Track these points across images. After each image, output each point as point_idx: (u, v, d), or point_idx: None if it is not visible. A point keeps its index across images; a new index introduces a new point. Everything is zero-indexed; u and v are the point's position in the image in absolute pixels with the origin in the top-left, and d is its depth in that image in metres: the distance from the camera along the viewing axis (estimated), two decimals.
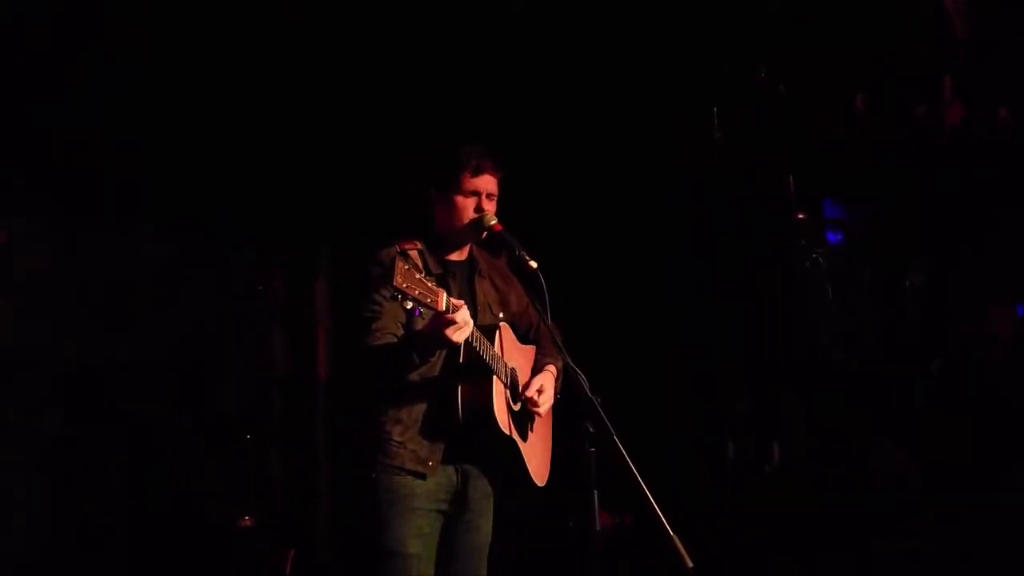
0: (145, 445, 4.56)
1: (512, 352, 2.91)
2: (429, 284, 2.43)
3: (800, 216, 5.46)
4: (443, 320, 2.48)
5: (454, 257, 2.90)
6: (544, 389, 2.94)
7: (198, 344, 4.77)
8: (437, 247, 2.87)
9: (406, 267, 2.37)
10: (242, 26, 4.39)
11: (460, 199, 2.82)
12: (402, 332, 2.72)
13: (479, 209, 2.81)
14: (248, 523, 4.56)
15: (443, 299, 2.46)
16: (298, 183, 4.99)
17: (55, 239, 4.29)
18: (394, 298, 2.40)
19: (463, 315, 2.50)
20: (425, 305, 2.42)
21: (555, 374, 3.03)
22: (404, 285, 2.35)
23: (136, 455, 4.53)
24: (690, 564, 2.45)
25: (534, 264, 2.74)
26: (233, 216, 4.82)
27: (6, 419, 4.12)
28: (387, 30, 4.65)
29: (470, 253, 2.95)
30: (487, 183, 2.84)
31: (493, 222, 2.81)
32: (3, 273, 4.17)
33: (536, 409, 2.91)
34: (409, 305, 2.40)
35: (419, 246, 2.82)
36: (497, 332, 2.82)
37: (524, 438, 2.88)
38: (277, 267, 5.24)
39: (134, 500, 4.48)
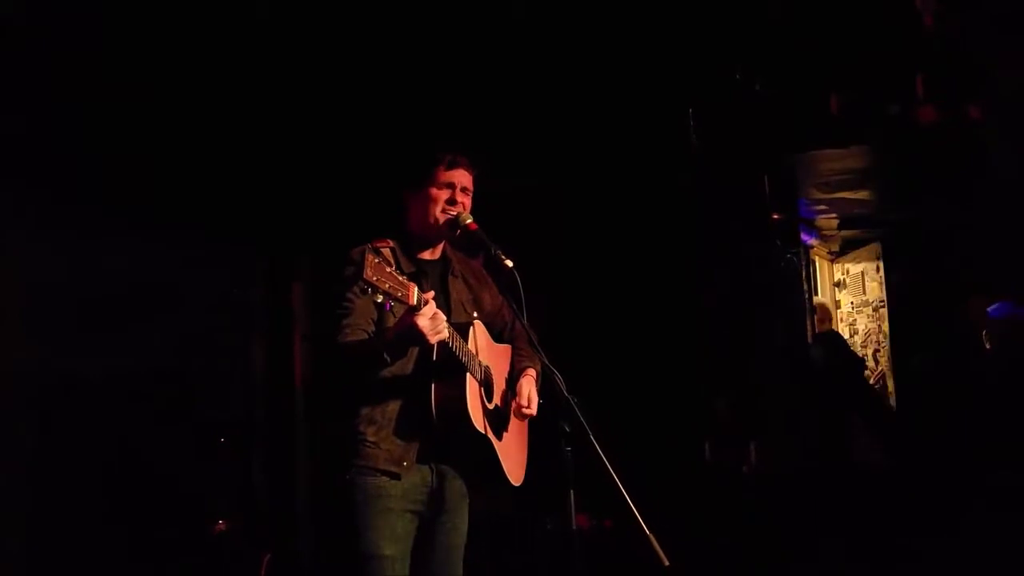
0: (125, 451, 4.52)
1: (486, 350, 2.89)
2: (400, 278, 2.41)
3: (776, 216, 5.49)
4: (415, 314, 2.46)
5: (427, 256, 2.89)
6: (532, 397, 2.95)
7: (179, 351, 4.75)
8: (410, 246, 2.85)
9: (376, 261, 2.35)
10: (220, 38, 4.37)
11: (434, 191, 2.81)
12: (373, 329, 2.69)
13: (452, 201, 2.80)
14: (223, 527, 4.52)
15: (414, 293, 2.44)
16: (275, 190, 4.98)
17: (37, 250, 4.24)
18: (364, 292, 2.38)
19: (431, 307, 2.49)
20: (395, 299, 2.40)
21: (535, 377, 3.02)
22: (374, 278, 2.33)
23: (115, 460, 4.49)
24: (667, 562, 2.44)
25: (510, 263, 2.72)
26: (212, 222, 4.79)
27: None
28: (367, 38, 4.64)
29: (443, 253, 2.93)
30: (461, 177, 2.84)
31: (468, 220, 2.79)
32: None
33: (526, 417, 2.95)
34: (380, 299, 2.38)
35: (392, 244, 2.80)
36: (471, 330, 2.79)
37: (499, 437, 2.86)
38: (255, 272, 5.22)
39: (113, 505, 4.44)
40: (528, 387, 2.97)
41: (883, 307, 6.64)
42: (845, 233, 7.11)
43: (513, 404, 2.96)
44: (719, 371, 5.26)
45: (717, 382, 5.26)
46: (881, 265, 6.68)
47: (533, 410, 2.94)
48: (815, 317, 6.18)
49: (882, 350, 6.62)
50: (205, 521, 4.59)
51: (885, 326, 6.61)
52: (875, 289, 6.75)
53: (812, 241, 6.91)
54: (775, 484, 5.05)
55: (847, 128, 5.13)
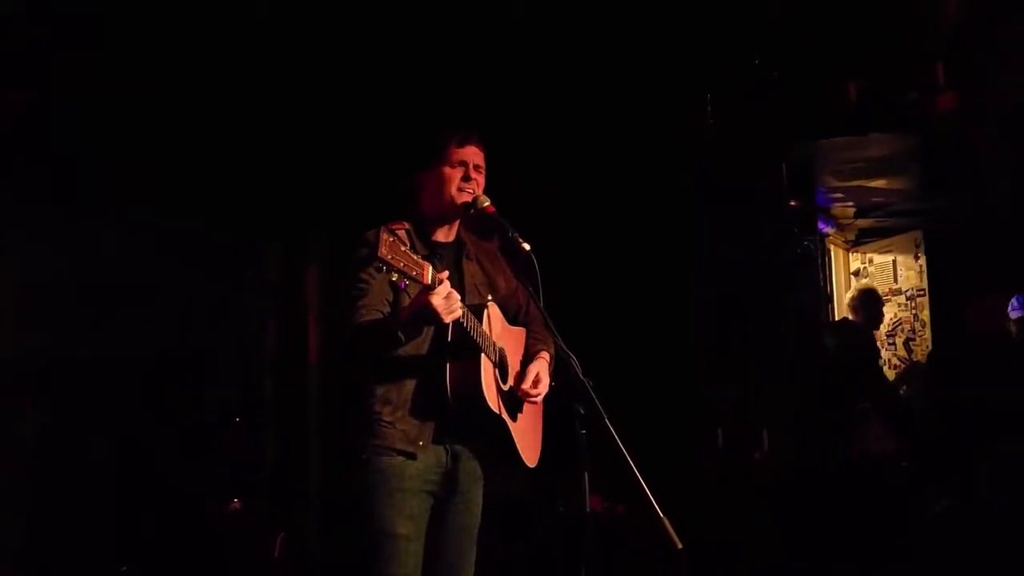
0: (140, 432, 4.55)
1: (501, 332, 2.90)
2: (414, 257, 2.42)
3: (793, 204, 5.47)
4: (429, 293, 2.47)
5: (441, 238, 2.89)
6: (540, 379, 2.93)
7: (193, 333, 4.77)
8: (424, 228, 2.86)
9: (391, 239, 2.36)
10: (223, 14, 4.37)
11: (447, 170, 2.82)
12: (388, 310, 2.70)
13: (467, 178, 2.81)
14: (237, 506, 4.56)
15: (428, 272, 2.45)
16: (289, 170, 4.99)
17: (42, 234, 4.27)
18: (379, 270, 2.39)
19: (446, 287, 2.49)
20: (410, 277, 2.41)
21: (548, 360, 3.01)
22: (389, 257, 2.34)
23: (130, 441, 4.53)
24: (679, 545, 2.44)
25: (527, 246, 2.72)
26: (225, 204, 4.81)
27: None
28: (374, 28, 4.63)
29: (458, 235, 2.93)
30: (473, 154, 2.84)
31: (486, 203, 2.79)
32: None
33: (532, 400, 2.92)
34: (395, 277, 2.39)
35: (407, 226, 2.81)
36: (485, 311, 2.80)
37: (514, 419, 2.87)
38: (269, 253, 5.24)
39: (128, 484, 4.48)
40: (536, 369, 2.95)
41: (922, 296, 6.65)
42: (861, 222, 7.08)
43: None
44: (731, 360, 5.26)
45: (729, 370, 5.26)
46: (921, 253, 6.68)
47: (539, 391, 2.92)
48: (871, 303, 6.10)
49: (917, 339, 6.62)
50: (219, 501, 4.62)
51: (923, 314, 6.62)
52: (911, 277, 6.74)
53: (828, 230, 6.88)
54: (786, 474, 5.05)
55: (866, 116, 5.10)
